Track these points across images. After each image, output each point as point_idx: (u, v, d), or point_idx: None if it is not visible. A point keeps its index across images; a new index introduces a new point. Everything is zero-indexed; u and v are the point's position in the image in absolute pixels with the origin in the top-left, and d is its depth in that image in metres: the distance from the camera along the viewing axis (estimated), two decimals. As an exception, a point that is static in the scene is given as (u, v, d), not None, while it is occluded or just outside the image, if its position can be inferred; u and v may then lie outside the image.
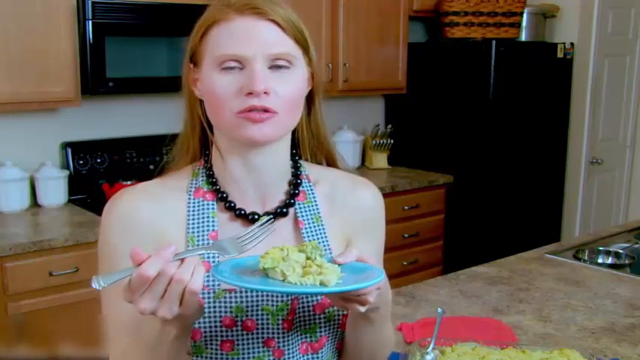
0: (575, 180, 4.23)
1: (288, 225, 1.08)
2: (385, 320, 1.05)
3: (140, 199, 1.03)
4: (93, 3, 2.74)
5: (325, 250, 1.07)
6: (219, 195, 1.06)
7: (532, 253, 2.33)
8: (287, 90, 0.99)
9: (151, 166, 3.21)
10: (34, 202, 2.97)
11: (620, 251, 2.35)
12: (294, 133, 1.09)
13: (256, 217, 1.04)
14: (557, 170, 4.16)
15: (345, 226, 1.12)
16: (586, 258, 2.30)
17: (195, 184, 1.07)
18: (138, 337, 0.93)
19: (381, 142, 3.97)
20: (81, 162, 3.09)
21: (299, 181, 1.10)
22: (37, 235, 2.57)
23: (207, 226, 1.04)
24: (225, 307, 1.00)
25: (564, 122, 4.13)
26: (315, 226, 1.09)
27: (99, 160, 3.14)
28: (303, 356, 1.05)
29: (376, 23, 3.74)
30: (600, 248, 2.39)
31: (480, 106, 3.70)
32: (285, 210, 1.07)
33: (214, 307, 1.00)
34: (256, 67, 0.96)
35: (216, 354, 1.00)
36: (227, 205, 1.05)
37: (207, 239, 1.03)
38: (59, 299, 2.53)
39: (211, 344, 1.00)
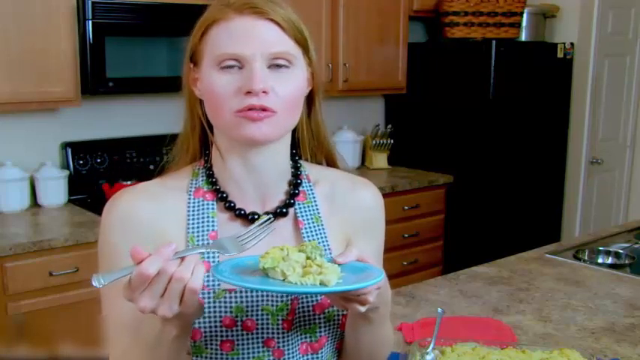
0: (575, 180, 4.23)
1: (288, 225, 1.08)
2: (385, 320, 1.05)
3: (140, 199, 1.03)
4: (93, 3, 2.75)
5: (325, 250, 1.07)
6: (219, 195, 1.06)
7: (532, 253, 2.33)
8: (286, 89, 0.99)
9: (151, 166, 3.21)
10: (34, 202, 2.97)
11: (620, 251, 2.35)
12: (294, 133, 1.09)
13: (256, 217, 1.04)
14: (557, 170, 4.16)
15: (344, 226, 1.12)
16: (586, 258, 2.30)
17: (195, 184, 1.07)
18: (138, 337, 0.93)
19: (381, 142, 3.97)
20: (81, 162, 3.09)
21: (299, 181, 1.10)
22: (37, 235, 2.58)
23: (207, 226, 1.04)
24: (225, 307, 1.00)
25: (564, 122, 4.13)
26: (314, 226, 1.09)
27: (99, 160, 3.14)
28: (302, 356, 1.05)
29: (376, 23, 3.74)
30: (600, 248, 2.39)
31: (480, 106, 3.70)
32: (285, 210, 1.07)
33: (214, 307, 1.00)
34: (255, 66, 0.96)
35: (216, 354, 1.00)
36: (227, 205, 1.06)
37: (207, 239, 1.03)
38: (59, 299, 2.53)
39: (211, 344, 1.00)
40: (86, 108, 3.02)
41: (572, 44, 3.99)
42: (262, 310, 1.01)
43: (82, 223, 2.73)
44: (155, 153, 3.25)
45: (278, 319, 1.02)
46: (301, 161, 1.13)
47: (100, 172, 3.13)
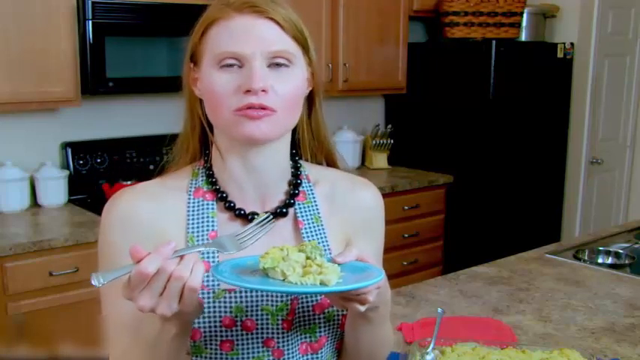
0: (575, 180, 4.23)
1: (287, 225, 1.08)
2: (384, 320, 1.05)
3: (140, 199, 1.03)
4: (93, 3, 2.75)
5: (325, 250, 1.07)
6: (219, 195, 1.06)
7: (532, 253, 2.33)
8: (286, 89, 0.99)
9: (151, 166, 3.21)
10: (34, 202, 2.97)
11: (620, 251, 2.35)
12: (294, 133, 1.10)
13: (256, 216, 1.04)
14: (557, 170, 4.16)
15: (344, 226, 1.12)
16: (586, 258, 2.30)
17: (195, 183, 1.07)
18: (138, 337, 0.93)
19: (381, 142, 3.97)
20: (81, 162, 3.09)
21: (299, 181, 1.10)
22: (37, 235, 2.58)
23: (207, 225, 1.04)
24: (225, 307, 1.00)
25: (564, 122, 4.13)
26: (314, 227, 1.09)
27: (99, 160, 3.14)
28: (302, 356, 1.05)
29: (376, 23, 3.74)
30: (600, 248, 2.39)
31: (480, 106, 3.70)
32: (284, 210, 1.07)
33: (214, 307, 1.00)
34: (255, 64, 0.96)
35: (216, 354, 1.00)
36: (227, 205, 1.06)
37: (207, 239, 1.03)
38: (59, 299, 2.53)
39: (211, 344, 1.00)
40: (86, 108, 3.02)
41: (572, 44, 3.99)
42: (262, 310, 1.01)
43: (82, 223, 2.73)
44: (155, 153, 3.24)
45: (278, 319, 1.02)
46: (301, 161, 1.13)
47: (100, 172, 3.13)
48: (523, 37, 3.91)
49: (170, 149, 1.13)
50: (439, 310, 1.37)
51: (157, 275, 0.82)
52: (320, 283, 0.87)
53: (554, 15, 4.07)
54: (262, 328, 1.01)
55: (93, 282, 0.81)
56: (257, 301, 1.01)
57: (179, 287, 0.82)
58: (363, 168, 4.03)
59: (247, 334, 1.01)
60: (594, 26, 4.08)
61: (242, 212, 1.05)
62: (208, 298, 1.00)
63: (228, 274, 0.87)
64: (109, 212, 1.03)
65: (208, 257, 1.02)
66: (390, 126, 4.03)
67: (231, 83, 0.97)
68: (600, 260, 2.33)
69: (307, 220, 1.08)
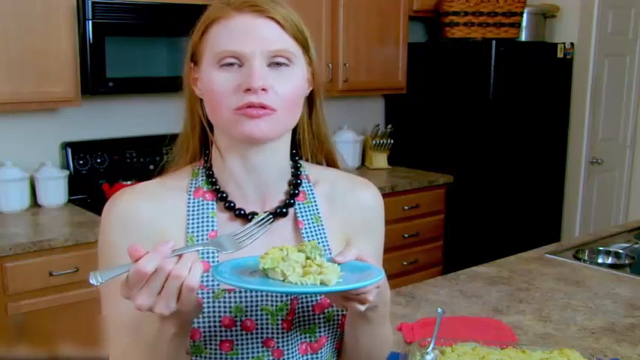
0: (575, 180, 4.23)
1: (287, 225, 1.08)
2: (384, 320, 1.05)
3: (140, 199, 1.03)
4: (93, 3, 2.74)
5: (325, 250, 1.07)
6: (219, 195, 1.06)
7: (532, 253, 2.33)
8: (286, 88, 0.99)
9: (151, 166, 3.21)
10: (34, 202, 2.97)
11: (620, 251, 2.35)
12: (294, 133, 1.09)
13: (255, 216, 1.04)
14: (557, 170, 4.16)
15: (344, 226, 1.12)
16: (586, 258, 2.30)
17: (195, 183, 1.07)
18: (138, 337, 0.93)
19: (381, 142, 3.97)
20: (81, 162, 3.09)
21: (299, 181, 1.10)
22: (37, 235, 2.58)
23: (207, 225, 1.04)
24: (225, 307, 1.00)
25: (564, 122, 4.13)
26: (314, 227, 1.09)
27: (99, 160, 3.14)
28: (302, 356, 1.05)
29: (376, 23, 3.74)
30: (600, 248, 2.39)
31: (480, 106, 3.70)
32: (284, 210, 1.07)
33: (213, 306, 1.00)
34: (255, 63, 0.96)
35: (216, 354, 1.00)
36: (227, 204, 1.06)
37: (207, 239, 1.03)
38: (59, 299, 2.53)
39: (210, 344, 1.00)
40: (86, 108, 3.02)
41: (572, 44, 3.99)
42: (262, 310, 1.01)
43: (82, 223, 2.73)
44: (155, 153, 3.24)
45: (277, 319, 1.02)
46: (301, 161, 1.13)
47: (100, 172, 3.13)
48: (523, 37, 3.91)
49: (170, 149, 1.13)
50: (439, 310, 1.37)
51: (155, 274, 0.82)
52: (320, 283, 0.87)
53: (554, 15, 4.07)
54: (262, 328, 1.01)
55: (91, 281, 0.81)
56: (257, 301, 1.01)
57: (177, 286, 0.82)
58: (363, 168, 4.03)
59: (247, 334, 1.01)
60: (594, 26, 4.08)
61: (242, 212, 1.05)
62: (208, 298, 1.00)
63: (228, 274, 0.87)
64: (109, 212, 1.02)
65: (208, 257, 1.02)
66: (390, 126, 4.03)
67: (231, 82, 0.97)
68: (600, 260, 2.33)
69: (307, 220, 1.08)
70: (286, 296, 1.03)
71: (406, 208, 3.65)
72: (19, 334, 2.47)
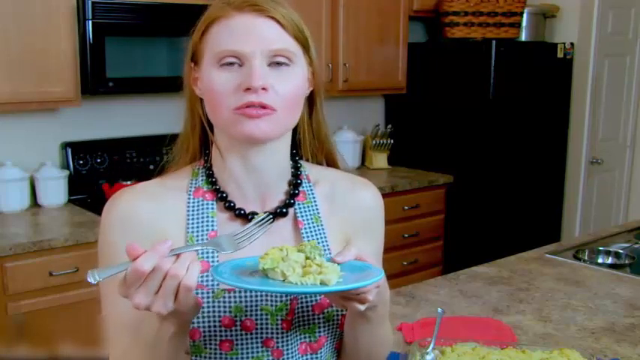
0: (575, 180, 4.23)
1: (287, 225, 1.08)
2: (383, 320, 1.05)
3: (140, 199, 1.03)
4: (93, 3, 2.74)
5: (325, 250, 1.07)
6: (219, 195, 1.06)
7: (532, 253, 2.33)
8: (286, 88, 0.99)
9: (151, 166, 3.21)
10: (34, 202, 2.97)
11: (620, 251, 2.35)
12: (294, 133, 1.09)
13: (255, 216, 1.04)
14: (557, 170, 4.16)
15: (344, 226, 1.12)
16: (586, 258, 2.30)
17: (195, 183, 1.07)
18: (138, 337, 0.93)
19: (381, 142, 3.97)
20: (81, 162, 3.09)
21: (299, 181, 1.10)
22: (37, 235, 2.58)
23: (207, 225, 1.04)
24: (225, 306, 1.00)
25: (564, 122, 4.13)
26: (314, 227, 1.09)
27: (99, 160, 3.14)
28: (302, 356, 1.05)
29: (376, 23, 3.74)
30: (600, 248, 2.39)
31: (480, 106, 3.70)
32: (284, 210, 1.07)
33: (213, 306, 1.00)
34: (255, 63, 0.96)
35: (215, 354, 1.00)
36: (227, 204, 1.06)
37: (207, 239, 1.03)
38: (59, 299, 2.53)
39: (210, 344, 1.00)
40: (86, 108, 3.02)
41: (572, 44, 3.99)
42: (261, 310, 1.01)
43: (82, 223, 2.73)
44: (155, 153, 3.24)
45: (277, 319, 1.02)
46: (301, 161, 1.13)
47: (100, 172, 3.13)
48: (523, 37, 3.91)
49: (170, 149, 1.13)
50: (439, 310, 1.37)
51: (153, 273, 0.82)
52: (320, 283, 0.87)
53: (554, 15, 4.07)
54: (262, 328, 1.01)
55: (88, 279, 0.81)
56: (256, 301, 1.01)
57: (174, 286, 0.82)
58: (363, 168, 4.03)
59: (247, 334, 1.01)
60: (594, 26, 4.08)
61: (242, 212, 1.05)
62: (208, 297, 1.00)
63: (228, 275, 0.87)
64: (108, 212, 1.02)
65: (208, 257, 1.02)
66: (390, 126, 4.03)
67: (231, 82, 0.97)
68: (600, 260, 2.33)
69: (307, 220, 1.08)
70: (286, 296, 1.03)
71: (406, 208, 3.65)
72: (19, 334, 2.47)
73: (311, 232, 1.08)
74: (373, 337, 1.05)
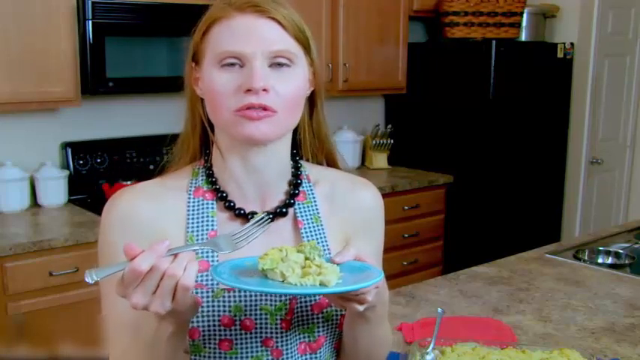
0: (575, 180, 4.23)
1: (287, 225, 1.08)
2: (382, 320, 1.05)
3: (140, 199, 1.03)
4: (93, 3, 2.75)
5: (324, 250, 1.07)
6: (219, 194, 1.06)
7: (532, 253, 2.33)
8: (287, 89, 0.99)
9: (151, 166, 3.21)
10: (34, 202, 2.97)
11: (620, 251, 2.35)
12: (295, 133, 1.09)
13: (255, 216, 1.04)
14: (557, 170, 4.16)
15: (344, 227, 1.12)
16: (586, 258, 2.30)
17: (195, 183, 1.07)
18: (137, 337, 0.93)
19: (381, 142, 3.97)
20: (81, 162, 3.09)
21: (299, 181, 1.10)
22: (37, 235, 2.58)
23: (207, 225, 1.04)
24: (224, 306, 1.00)
25: (564, 122, 4.13)
26: (314, 227, 1.09)
27: (99, 160, 3.14)
28: (301, 356, 1.05)
29: (376, 23, 3.74)
30: (600, 248, 2.39)
31: (480, 106, 3.70)
32: (284, 210, 1.07)
33: (213, 306, 1.00)
34: (256, 64, 0.96)
35: (215, 353, 1.00)
36: (227, 204, 1.06)
37: (207, 238, 1.03)
38: (59, 299, 2.53)
39: (209, 343, 1.00)
40: (86, 108, 3.02)
41: (572, 44, 3.99)
42: (261, 309, 1.01)
43: (82, 223, 2.73)
44: (155, 153, 3.25)
45: (276, 319, 1.02)
46: (302, 161, 1.13)
47: (100, 172, 3.13)
48: (523, 37, 3.91)
49: (170, 149, 1.13)
50: (439, 310, 1.37)
51: (150, 273, 0.82)
52: (319, 284, 0.87)
53: (554, 15, 4.07)
54: (261, 328, 1.01)
55: (86, 278, 0.81)
56: (256, 300, 1.01)
57: (172, 285, 0.83)
58: (363, 168, 4.03)
59: (246, 334, 1.01)
60: (594, 26, 4.08)
61: (242, 212, 1.05)
62: (207, 297, 1.00)
63: (227, 275, 0.87)
64: (108, 212, 1.03)
65: (208, 256, 1.02)
66: (390, 126, 4.03)
67: (232, 83, 0.97)
68: (600, 260, 2.33)
69: (307, 220, 1.08)
70: (285, 296, 1.03)
71: (406, 208, 3.65)
72: (19, 334, 2.47)
73: (311, 232, 1.08)
74: (372, 337, 1.05)
